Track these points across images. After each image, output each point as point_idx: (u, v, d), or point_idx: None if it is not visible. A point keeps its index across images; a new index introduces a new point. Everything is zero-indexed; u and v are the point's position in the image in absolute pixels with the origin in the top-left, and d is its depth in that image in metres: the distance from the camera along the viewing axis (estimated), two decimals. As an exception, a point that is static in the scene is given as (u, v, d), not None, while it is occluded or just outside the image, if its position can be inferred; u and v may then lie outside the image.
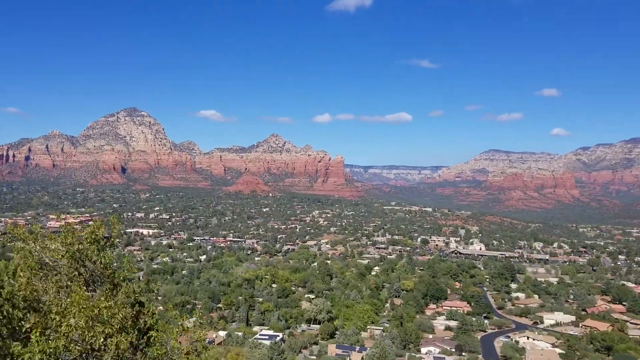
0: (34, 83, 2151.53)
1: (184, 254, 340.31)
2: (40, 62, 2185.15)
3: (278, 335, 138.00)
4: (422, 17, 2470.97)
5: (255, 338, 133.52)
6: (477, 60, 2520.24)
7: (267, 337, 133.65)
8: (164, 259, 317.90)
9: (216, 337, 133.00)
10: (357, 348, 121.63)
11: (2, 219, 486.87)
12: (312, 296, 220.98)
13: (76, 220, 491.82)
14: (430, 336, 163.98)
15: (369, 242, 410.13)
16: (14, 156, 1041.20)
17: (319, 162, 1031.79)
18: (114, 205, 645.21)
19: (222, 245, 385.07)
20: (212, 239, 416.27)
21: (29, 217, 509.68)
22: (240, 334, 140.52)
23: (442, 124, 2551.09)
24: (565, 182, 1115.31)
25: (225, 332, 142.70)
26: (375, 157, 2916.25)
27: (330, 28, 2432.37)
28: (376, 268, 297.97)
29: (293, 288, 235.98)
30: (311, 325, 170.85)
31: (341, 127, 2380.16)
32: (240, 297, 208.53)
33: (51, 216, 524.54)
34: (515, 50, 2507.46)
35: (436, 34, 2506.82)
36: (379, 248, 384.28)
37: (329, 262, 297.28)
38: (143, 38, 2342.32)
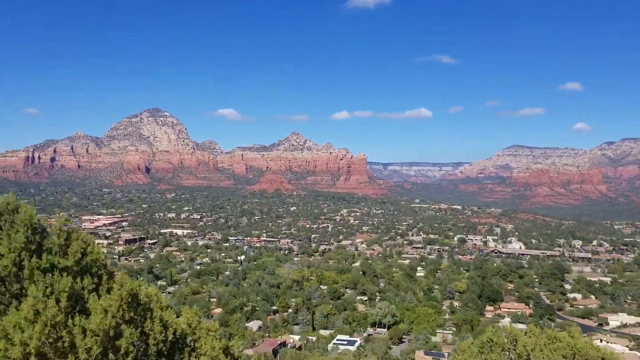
0: (57, 84, 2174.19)
1: (222, 254, 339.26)
2: (62, 64, 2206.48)
3: (356, 340, 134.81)
4: (442, 13, 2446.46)
5: (334, 343, 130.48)
6: (497, 54, 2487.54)
7: (345, 341, 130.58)
8: (204, 260, 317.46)
9: (293, 341, 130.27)
10: (446, 354, 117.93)
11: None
12: (364, 298, 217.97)
13: (109, 221, 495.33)
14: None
15: (404, 242, 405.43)
16: (39, 158, 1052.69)
17: (341, 159, 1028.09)
18: (143, 205, 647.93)
19: (257, 245, 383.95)
20: (246, 238, 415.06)
21: (61, 219, 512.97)
22: (313, 338, 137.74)
23: (463, 120, 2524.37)
24: (592, 177, 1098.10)
25: (297, 337, 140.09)
26: (395, 153, 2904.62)
27: (348, 25, 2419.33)
28: (419, 268, 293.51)
29: (342, 289, 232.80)
30: (377, 329, 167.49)
31: (360, 124, 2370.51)
32: (293, 299, 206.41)
33: (84, 217, 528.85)
34: (537, 45, 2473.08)
35: (457, 29, 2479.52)
36: (416, 248, 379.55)
37: (370, 262, 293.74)
38: (163, 38, 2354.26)
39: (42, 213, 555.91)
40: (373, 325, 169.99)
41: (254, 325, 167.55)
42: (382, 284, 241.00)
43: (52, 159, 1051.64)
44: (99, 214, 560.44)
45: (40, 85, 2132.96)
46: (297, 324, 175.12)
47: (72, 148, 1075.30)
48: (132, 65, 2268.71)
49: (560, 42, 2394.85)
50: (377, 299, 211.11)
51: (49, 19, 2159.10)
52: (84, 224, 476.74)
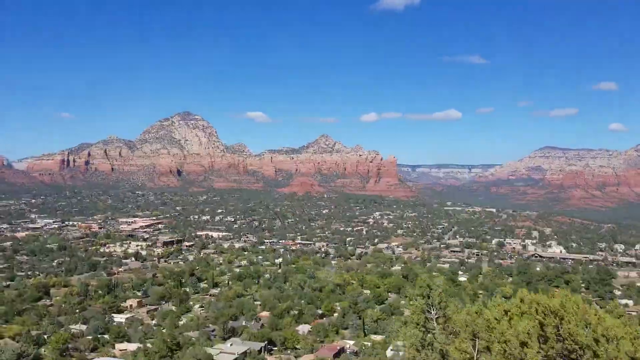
0: (90, 89, 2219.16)
1: (259, 257, 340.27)
2: (95, 68, 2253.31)
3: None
4: (472, 12, 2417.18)
5: (391, 350, 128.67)
6: (528, 54, 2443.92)
7: (403, 347, 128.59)
8: (242, 262, 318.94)
9: (349, 346, 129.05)
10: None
11: (76, 223, 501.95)
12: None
13: (145, 224, 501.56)
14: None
15: (441, 245, 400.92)
16: (74, 161, 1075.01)
17: (371, 162, 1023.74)
18: (177, 208, 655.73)
19: (293, 248, 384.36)
20: (281, 241, 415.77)
21: (99, 221, 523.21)
22: (368, 343, 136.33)
23: (493, 121, 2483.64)
24: (629, 179, 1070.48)
25: (352, 342, 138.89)
26: (423, 155, 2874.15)
27: (377, 26, 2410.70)
28: (460, 273, 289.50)
29: (385, 293, 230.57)
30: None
31: (388, 125, 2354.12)
32: (337, 303, 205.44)
33: (120, 219, 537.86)
34: (570, 43, 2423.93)
35: (487, 28, 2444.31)
36: (454, 251, 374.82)
37: (411, 266, 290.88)
38: (193, 42, 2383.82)
39: (79, 216, 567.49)
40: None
41: (302, 329, 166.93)
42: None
43: (87, 162, 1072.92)
44: (135, 216, 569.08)
45: (74, 89, 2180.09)
46: (346, 328, 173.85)
47: (105, 151, 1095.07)
48: (163, 70, 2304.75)
49: (594, 40, 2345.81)
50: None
51: (80, 24, 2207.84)
52: (121, 226, 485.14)
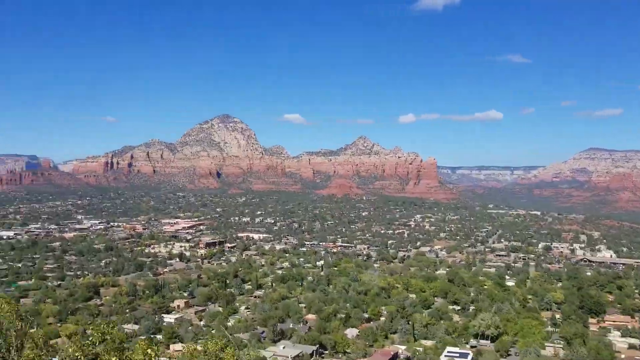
0: (133, 94, 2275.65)
1: (301, 259, 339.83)
2: (138, 74, 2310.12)
3: (468, 353, 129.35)
4: (513, 11, 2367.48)
5: (445, 355, 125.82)
6: (572, 53, 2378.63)
7: (457, 354, 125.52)
8: (284, 264, 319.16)
9: (400, 351, 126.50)
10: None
11: (120, 224, 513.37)
12: (456, 307, 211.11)
13: (187, 225, 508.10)
14: (623, 356, 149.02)
15: (486, 249, 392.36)
16: (117, 163, 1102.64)
17: (410, 164, 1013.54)
18: (217, 209, 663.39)
19: (334, 250, 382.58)
20: (321, 244, 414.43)
21: (143, 222, 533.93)
22: (420, 348, 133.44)
23: (535, 122, 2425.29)
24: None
25: (403, 347, 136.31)
26: (463, 157, 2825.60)
27: (416, 27, 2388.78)
28: (507, 277, 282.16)
29: (431, 298, 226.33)
30: (479, 340, 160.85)
31: (426, 127, 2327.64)
32: (384, 307, 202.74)
33: (163, 220, 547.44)
34: (614, 42, 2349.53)
35: (529, 27, 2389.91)
36: (499, 255, 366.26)
37: (456, 271, 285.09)
38: (231, 45, 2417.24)
39: (123, 217, 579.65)
40: (475, 336, 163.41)
41: (350, 333, 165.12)
42: (472, 293, 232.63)
43: (130, 165, 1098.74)
44: (177, 218, 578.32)
45: (118, 94, 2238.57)
46: (394, 333, 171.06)
47: (147, 154, 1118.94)
48: (203, 73, 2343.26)
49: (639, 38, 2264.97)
50: (470, 309, 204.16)
51: (122, 31, 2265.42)
52: (164, 227, 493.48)
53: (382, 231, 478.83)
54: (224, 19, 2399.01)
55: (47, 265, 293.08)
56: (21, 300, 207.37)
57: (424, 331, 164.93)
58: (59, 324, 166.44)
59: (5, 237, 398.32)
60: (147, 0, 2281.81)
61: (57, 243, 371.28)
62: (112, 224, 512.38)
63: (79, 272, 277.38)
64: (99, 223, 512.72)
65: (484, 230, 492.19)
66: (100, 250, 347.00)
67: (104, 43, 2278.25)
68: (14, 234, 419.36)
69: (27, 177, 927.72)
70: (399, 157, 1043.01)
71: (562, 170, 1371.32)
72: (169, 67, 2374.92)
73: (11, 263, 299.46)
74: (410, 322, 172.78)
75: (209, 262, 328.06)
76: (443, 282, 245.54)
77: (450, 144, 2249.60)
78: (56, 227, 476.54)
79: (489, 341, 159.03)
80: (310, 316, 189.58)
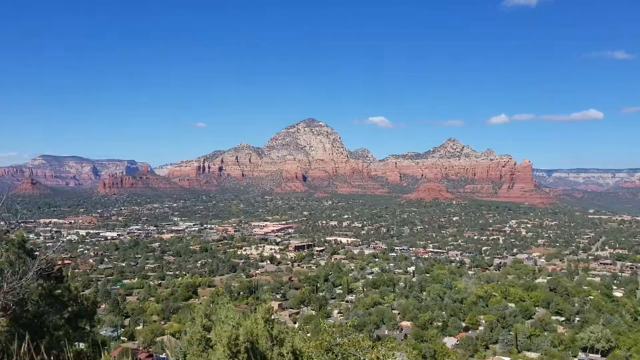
0: (222, 100, 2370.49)
1: (391, 264, 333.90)
2: (226, 82, 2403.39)
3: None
4: (614, 4, 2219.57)
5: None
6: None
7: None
8: (374, 269, 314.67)
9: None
10: None
11: (213, 226, 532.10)
12: (560, 318, 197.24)
13: (276, 228, 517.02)
14: None
15: (589, 257, 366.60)
16: (209, 167, 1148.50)
17: (503, 167, 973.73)
18: (304, 212, 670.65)
19: (424, 256, 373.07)
20: (411, 249, 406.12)
21: (234, 224, 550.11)
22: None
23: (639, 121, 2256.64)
24: None
25: (507, 359, 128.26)
26: (559, 159, 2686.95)
27: (508, 24, 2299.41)
28: (614, 287, 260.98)
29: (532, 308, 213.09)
30: (588, 354, 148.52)
31: (520, 128, 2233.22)
32: (482, 316, 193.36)
33: (253, 223, 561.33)
34: None
35: (632, 21, 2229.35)
36: (604, 264, 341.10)
37: (559, 279, 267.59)
38: (315, 52, 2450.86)
39: (215, 219, 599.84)
40: (583, 349, 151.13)
41: (448, 342, 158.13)
42: (576, 304, 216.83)
43: (220, 169, 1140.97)
44: (265, 220, 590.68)
45: (208, 101, 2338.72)
46: (495, 343, 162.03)
47: (236, 158, 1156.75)
48: (288, 78, 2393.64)
49: None
50: (575, 320, 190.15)
51: (210, 41, 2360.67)
52: (254, 229, 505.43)
53: (475, 237, 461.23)
54: (308, 23, 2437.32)
55: (148, 265, 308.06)
56: (127, 298, 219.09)
57: (527, 342, 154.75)
58: (162, 322, 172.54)
59: (109, 238, 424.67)
60: (233, 6, 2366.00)
61: (157, 244, 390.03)
62: (205, 226, 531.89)
63: (177, 272, 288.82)
64: (193, 225, 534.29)
65: (586, 237, 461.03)
66: (195, 251, 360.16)
67: (194, 52, 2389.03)
68: (117, 234, 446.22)
69: (128, 181, 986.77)
70: (491, 160, 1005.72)
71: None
72: (256, 72, 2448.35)
73: (116, 262, 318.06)
74: (511, 333, 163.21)
75: (298, 265, 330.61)
76: (544, 291, 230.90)
77: (546, 145, 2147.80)
78: (155, 228, 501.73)
79: (599, 355, 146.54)
80: (405, 323, 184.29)
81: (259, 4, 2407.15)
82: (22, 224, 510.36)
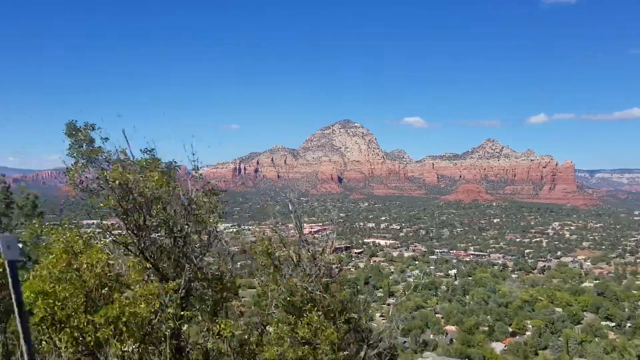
0: (258, 102, 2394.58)
1: (431, 267, 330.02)
2: (262, 84, 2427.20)
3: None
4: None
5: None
6: None
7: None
8: (414, 272, 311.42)
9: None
10: None
11: (250, 227, 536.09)
12: (610, 324, 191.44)
13: (314, 230, 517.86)
14: None
15: (637, 260, 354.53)
16: (244, 169, 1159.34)
17: (544, 167, 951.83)
18: (340, 214, 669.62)
19: (465, 259, 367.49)
20: (451, 252, 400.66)
21: (271, 226, 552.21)
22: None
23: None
24: None
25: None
26: (602, 159, 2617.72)
27: (547, 21, 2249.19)
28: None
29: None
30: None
31: (560, 127, 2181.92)
32: (528, 321, 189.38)
33: (289, 225, 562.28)
34: None
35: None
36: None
37: (606, 283, 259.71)
38: (349, 54, 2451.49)
39: (253, 220, 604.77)
40: (638, 357, 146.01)
41: (496, 347, 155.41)
42: (626, 309, 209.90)
43: (256, 170, 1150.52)
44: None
45: (243, 103, 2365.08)
46: (544, 349, 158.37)
47: (272, 160, 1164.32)
48: (324, 79, 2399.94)
49: None
50: (627, 326, 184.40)
51: (246, 46, 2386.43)
52: (290, 231, 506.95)
53: (518, 239, 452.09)
54: (344, 25, 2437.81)
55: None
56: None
57: (578, 348, 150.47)
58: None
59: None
60: (268, 6, 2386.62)
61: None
62: (242, 227, 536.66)
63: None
64: (231, 226, 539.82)
65: (633, 239, 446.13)
66: (235, 253, 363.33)
67: (229, 54, 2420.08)
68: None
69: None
70: (531, 161, 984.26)
71: None
72: (290, 74, 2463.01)
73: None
74: (560, 339, 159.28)
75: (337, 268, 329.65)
76: (592, 295, 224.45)
77: (587, 145, 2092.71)
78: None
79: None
80: (450, 327, 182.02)
81: (297, 3, 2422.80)
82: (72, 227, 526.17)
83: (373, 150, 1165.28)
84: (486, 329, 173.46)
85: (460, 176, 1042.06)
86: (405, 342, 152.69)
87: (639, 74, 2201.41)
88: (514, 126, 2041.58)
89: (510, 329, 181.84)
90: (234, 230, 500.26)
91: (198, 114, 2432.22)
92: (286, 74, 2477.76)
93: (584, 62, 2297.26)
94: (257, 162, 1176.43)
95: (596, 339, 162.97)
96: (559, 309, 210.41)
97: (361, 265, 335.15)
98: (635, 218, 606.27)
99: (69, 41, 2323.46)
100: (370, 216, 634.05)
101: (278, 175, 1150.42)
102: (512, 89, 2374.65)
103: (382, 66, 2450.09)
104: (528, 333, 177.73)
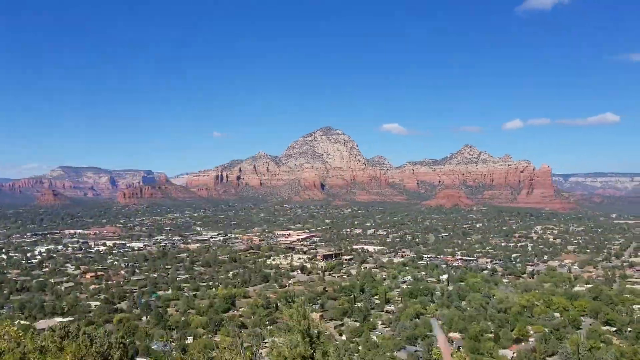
0: (241, 110, 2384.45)
1: (422, 272, 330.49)
2: (245, 91, 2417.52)
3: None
4: (633, 6, 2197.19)
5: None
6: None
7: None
8: (406, 278, 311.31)
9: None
10: None
11: (237, 235, 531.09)
12: (611, 329, 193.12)
13: (301, 237, 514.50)
14: None
15: (624, 264, 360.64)
16: (227, 176, 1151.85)
17: (522, 172, 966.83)
18: (325, 221, 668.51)
19: (454, 264, 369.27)
20: (439, 257, 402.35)
21: (258, 233, 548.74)
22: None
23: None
24: None
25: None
26: (576, 164, 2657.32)
27: (523, 28, 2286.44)
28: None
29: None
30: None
31: (535, 133, 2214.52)
32: (529, 327, 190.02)
33: (277, 232, 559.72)
34: None
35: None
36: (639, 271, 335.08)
37: (600, 287, 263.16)
38: (329, 61, 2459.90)
39: (238, 228, 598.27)
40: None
41: (503, 354, 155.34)
42: (624, 313, 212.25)
43: (238, 177, 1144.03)
44: (289, 229, 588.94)
45: (227, 111, 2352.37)
46: (551, 355, 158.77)
47: (254, 167, 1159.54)
48: (305, 87, 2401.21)
49: None
50: (627, 331, 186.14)
51: (225, 50, 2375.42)
52: (278, 238, 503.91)
53: (503, 244, 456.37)
54: (325, 33, 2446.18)
55: (180, 276, 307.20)
56: (167, 310, 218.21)
57: (588, 355, 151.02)
58: (209, 335, 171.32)
59: (136, 249, 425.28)
60: (247, 15, 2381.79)
61: (184, 254, 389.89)
62: (229, 235, 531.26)
63: (210, 283, 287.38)
64: (217, 234, 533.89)
65: (616, 242, 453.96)
66: (224, 261, 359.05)
67: (210, 61, 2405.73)
68: (144, 245, 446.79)
69: (147, 190, 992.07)
70: (509, 165, 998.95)
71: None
72: (271, 81, 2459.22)
73: (147, 273, 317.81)
74: (566, 345, 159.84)
75: (329, 275, 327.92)
76: (589, 300, 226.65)
77: (562, 150, 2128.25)
78: (180, 238, 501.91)
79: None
80: (454, 334, 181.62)
81: (278, 13, 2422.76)
82: (48, 235, 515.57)
83: (354, 157, 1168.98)
84: (491, 335, 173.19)
85: (440, 181, 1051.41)
86: (416, 350, 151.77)
87: (612, 79, 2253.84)
88: (491, 132, 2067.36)
89: (513, 336, 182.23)
90: (221, 238, 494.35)
91: (181, 122, 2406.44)
92: (268, 81, 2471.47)
93: (557, 68, 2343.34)
94: (240, 170, 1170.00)
95: (602, 345, 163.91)
96: (556, 314, 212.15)
97: (353, 272, 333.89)
98: (615, 221, 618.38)
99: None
100: (356, 222, 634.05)
101: (261, 183, 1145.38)
102: (489, 95, 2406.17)
103: (362, 73, 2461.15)
104: (531, 339, 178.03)
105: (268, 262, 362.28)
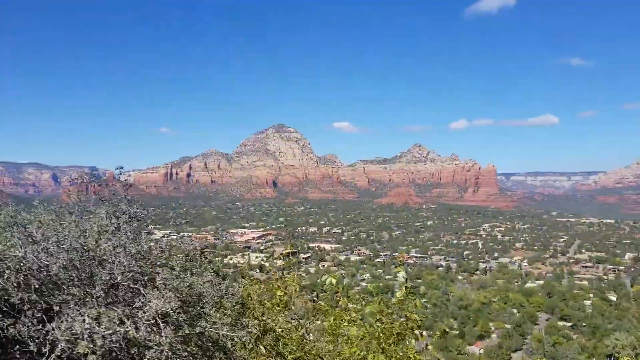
0: (190, 105, 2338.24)
1: (379, 270, 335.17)
2: (193, 86, 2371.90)
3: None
4: (572, 12, 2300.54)
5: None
6: (635, 52, 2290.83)
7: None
8: (365, 276, 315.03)
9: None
10: None
11: (190, 234, 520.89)
12: (567, 324, 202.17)
13: (256, 235, 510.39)
14: None
15: (570, 260, 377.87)
16: (176, 174, 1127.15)
17: (468, 171, 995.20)
18: (279, 219, 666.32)
19: (409, 261, 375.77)
20: (394, 254, 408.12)
21: (211, 232, 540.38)
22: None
23: (595, 125, 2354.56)
24: None
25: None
26: (517, 163, 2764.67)
27: (469, 31, 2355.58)
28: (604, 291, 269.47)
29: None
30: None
31: (479, 133, 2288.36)
32: (491, 323, 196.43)
33: (231, 231, 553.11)
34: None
35: (589, 28, 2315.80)
36: (585, 267, 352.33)
37: (552, 284, 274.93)
38: (282, 57, 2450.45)
39: (190, 227, 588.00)
40: (608, 357, 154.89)
41: (471, 351, 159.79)
42: (578, 309, 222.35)
43: (188, 175, 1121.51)
44: (243, 227, 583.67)
45: (175, 106, 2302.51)
46: (515, 352, 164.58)
47: (205, 164, 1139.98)
48: (257, 83, 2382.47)
49: None
50: (581, 326, 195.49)
51: (178, 47, 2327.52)
52: (234, 237, 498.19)
53: (455, 241, 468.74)
54: (274, 30, 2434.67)
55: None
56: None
57: (552, 350, 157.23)
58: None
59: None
60: (201, 11, 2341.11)
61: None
62: (182, 234, 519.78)
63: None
64: (170, 233, 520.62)
65: (561, 240, 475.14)
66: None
67: (159, 55, 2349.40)
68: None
69: (93, 188, 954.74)
70: (456, 165, 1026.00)
71: (625, 175, 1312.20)
72: (223, 78, 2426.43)
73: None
74: (528, 341, 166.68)
75: (288, 274, 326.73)
76: (544, 296, 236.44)
77: (504, 149, 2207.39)
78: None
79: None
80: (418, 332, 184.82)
81: (233, 10, 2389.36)
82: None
83: (307, 155, 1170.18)
84: (457, 332, 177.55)
85: (390, 180, 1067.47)
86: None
87: (552, 82, 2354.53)
88: (439, 131, 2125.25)
89: (477, 332, 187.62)
90: (174, 237, 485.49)
91: (124, 116, 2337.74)
92: (219, 77, 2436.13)
93: (501, 70, 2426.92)
94: (190, 167, 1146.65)
95: (563, 340, 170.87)
96: (514, 310, 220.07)
97: (312, 270, 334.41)
98: (558, 219, 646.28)
99: None
100: (310, 220, 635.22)
101: (212, 180, 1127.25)
102: (436, 95, 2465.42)
103: (315, 71, 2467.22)
104: (494, 336, 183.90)
105: (225, 261, 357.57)
